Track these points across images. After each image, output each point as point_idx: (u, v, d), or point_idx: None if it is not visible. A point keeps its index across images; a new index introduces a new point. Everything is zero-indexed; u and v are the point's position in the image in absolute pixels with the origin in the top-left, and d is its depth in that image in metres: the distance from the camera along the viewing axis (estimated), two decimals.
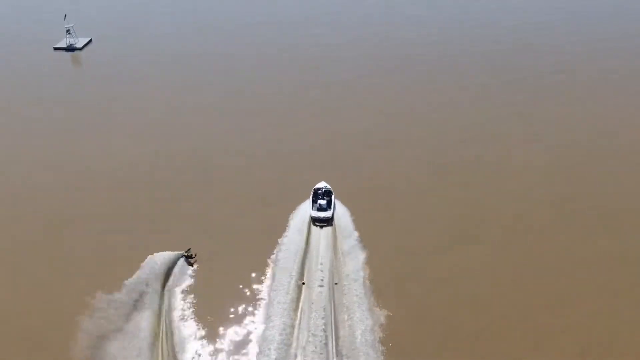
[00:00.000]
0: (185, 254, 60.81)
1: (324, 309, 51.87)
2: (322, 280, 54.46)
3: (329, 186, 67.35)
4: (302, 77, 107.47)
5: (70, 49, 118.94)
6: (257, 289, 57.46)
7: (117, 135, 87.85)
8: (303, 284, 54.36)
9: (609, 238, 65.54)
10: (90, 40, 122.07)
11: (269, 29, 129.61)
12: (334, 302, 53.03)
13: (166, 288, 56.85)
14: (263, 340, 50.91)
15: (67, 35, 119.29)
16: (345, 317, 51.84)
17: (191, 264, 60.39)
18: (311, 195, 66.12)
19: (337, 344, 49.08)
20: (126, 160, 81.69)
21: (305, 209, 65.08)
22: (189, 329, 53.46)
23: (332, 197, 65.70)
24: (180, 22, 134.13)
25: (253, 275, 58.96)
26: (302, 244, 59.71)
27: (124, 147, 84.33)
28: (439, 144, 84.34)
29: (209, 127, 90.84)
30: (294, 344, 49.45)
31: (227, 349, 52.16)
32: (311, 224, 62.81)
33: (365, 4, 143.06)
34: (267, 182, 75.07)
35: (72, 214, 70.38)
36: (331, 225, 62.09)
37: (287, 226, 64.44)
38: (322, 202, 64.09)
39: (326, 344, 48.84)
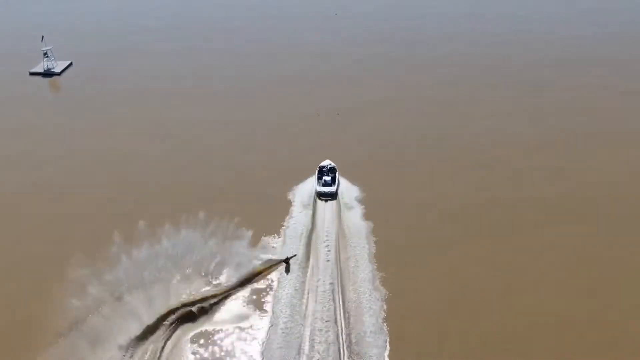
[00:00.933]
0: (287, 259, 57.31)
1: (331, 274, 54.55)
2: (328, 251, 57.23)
3: (333, 163, 70.34)
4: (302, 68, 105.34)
5: (47, 73, 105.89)
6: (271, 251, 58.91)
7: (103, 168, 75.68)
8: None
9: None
10: (71, 64, 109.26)
11: (256, 34, 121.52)
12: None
13: None
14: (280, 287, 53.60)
15: (45, 59, 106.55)
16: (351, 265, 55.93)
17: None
18: (316, 173, 69.00)
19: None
20: (123, 159, 76.80)
21: (312, 185, 68.16)
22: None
23: (337, 174, 68.64)
24: (168, 39, 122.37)
25: (267, 241, 60.13)
26: (309, 219, 62.43)
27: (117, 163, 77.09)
28: (441, 126, 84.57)
29: (211, 134, 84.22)
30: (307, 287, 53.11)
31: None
32: (317, 198, 65.74)
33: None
34: (275, 159, 76.42)
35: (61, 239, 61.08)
36: (335, 199, 65.27)
37: (293, 202, 66.24)
38: (327, 178, 67.49)
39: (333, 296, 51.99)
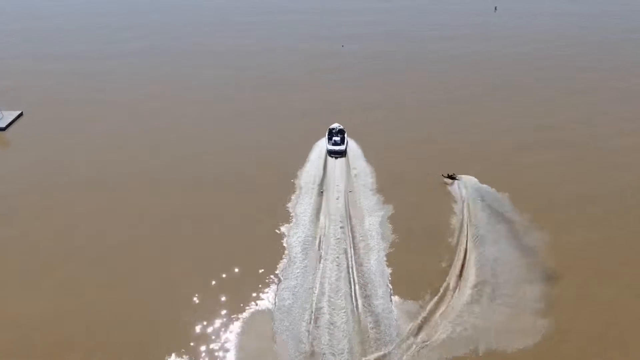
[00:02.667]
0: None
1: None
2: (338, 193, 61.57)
3: (341, 126, 73.34)
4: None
5: None
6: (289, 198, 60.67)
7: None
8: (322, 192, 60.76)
9: None
10: (21, 114, 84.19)
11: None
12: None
13: None
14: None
15: None
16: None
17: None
18: (327, 134, 72.12)
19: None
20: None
21: (322, 145, 71.72)
22: None
23: (345, 135, 71.96)
24: (135, 77, 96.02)
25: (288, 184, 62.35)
26: (321, 170, 67.69)
27: None
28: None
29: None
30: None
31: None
32: (327, 156, 69.94)
33: None
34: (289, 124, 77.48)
35: None
36: (344, 156, 69.42)
37: (307, 158, 68.68)
38: (337, 138, 71.17)
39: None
